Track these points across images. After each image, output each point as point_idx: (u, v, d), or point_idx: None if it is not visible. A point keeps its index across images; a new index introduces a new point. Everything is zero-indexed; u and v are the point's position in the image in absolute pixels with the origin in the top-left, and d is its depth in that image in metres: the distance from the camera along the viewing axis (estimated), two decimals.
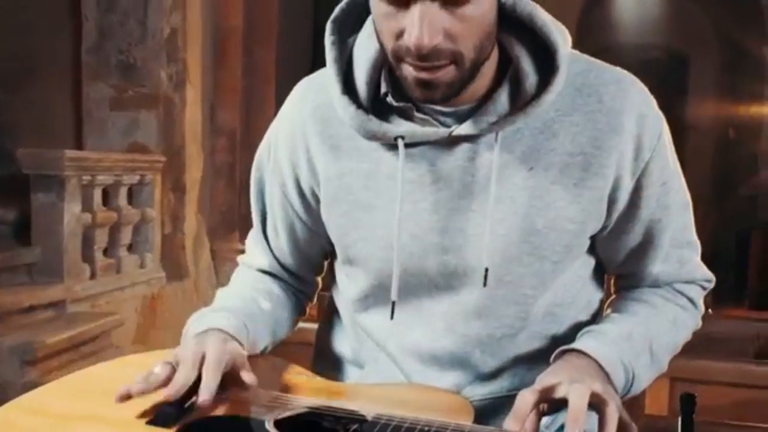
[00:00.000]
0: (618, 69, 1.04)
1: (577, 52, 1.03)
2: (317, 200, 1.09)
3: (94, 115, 4.57)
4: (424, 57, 0.88)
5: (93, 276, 3.96)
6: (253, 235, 1.20)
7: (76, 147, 4.66)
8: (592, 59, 1.04)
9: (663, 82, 9.20)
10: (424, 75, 0.90)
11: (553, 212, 0.98)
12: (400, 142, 0.98)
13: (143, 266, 4.41)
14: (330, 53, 1.00)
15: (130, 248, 4.35)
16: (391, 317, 1.01)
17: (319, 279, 1.24)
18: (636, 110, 1.00)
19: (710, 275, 1.13)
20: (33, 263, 3.71)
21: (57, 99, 4.81)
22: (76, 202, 3.78)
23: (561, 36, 0.97)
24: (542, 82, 0.95)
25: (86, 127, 4.59)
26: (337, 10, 1.00)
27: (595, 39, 9.02)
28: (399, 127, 0.98)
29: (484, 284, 0.98)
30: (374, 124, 0.98)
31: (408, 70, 0.91)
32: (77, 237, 3.81)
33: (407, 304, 1.03)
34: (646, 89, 1.04)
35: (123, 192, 4.22)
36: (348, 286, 1.12)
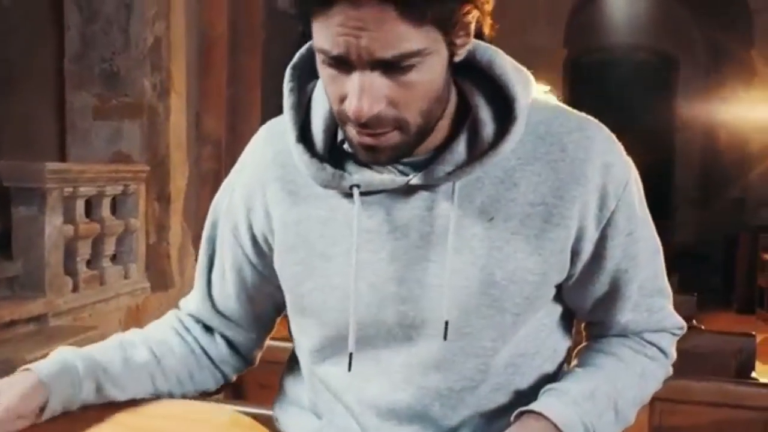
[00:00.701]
0: (583, 116, 1.01)
1: (543, 96, 1.01)
2: (269, 248, 1.06)
3: (78, 124, 4.54)
4: (365, 124, 0.87)
5: (76, 288, 3.94)
6: (196, 279, 1.16)
7: (59, 157, 4.63)
8: (558, 105, 1.02)
9: (652, 84, 9.23)
10: (367, 140, 0.89)
11: (513, 264, 0.96)
12: (356, 191, 0.96)
13: (127, 277, 4.38)
14: (287, 100, 0.98)
15: (114, 259, 4.33)
16: (349, 369, 0.99)
17: (267, 338, 1.19)
18: (600, 159, 0.97)
19: (681, 322, 1.10)
20: (15, 276, 3.69)
21: (39, 109, 4.77)
22: (58, 215, 3.75)
23: (522, 83, 0.95)
24: (500, 131, 0.93)
25: (69, 137, 4.56)
26: (297, 55, 0.98)
27: (585, 39, 9.04)
28: (354, 175, 0.96)
29: (445, 337, 0.95)
30: (328, 173, 0.96)
31: (352, 133, 0.89)
32: (59, 249, 3.78)
33: (365, 356, 1.00)
34: (612, 136, 1.02)
35: (106, 203, 4.20)
36: (302, 338, 1.09)
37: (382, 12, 0.80)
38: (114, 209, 4.30)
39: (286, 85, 0.98)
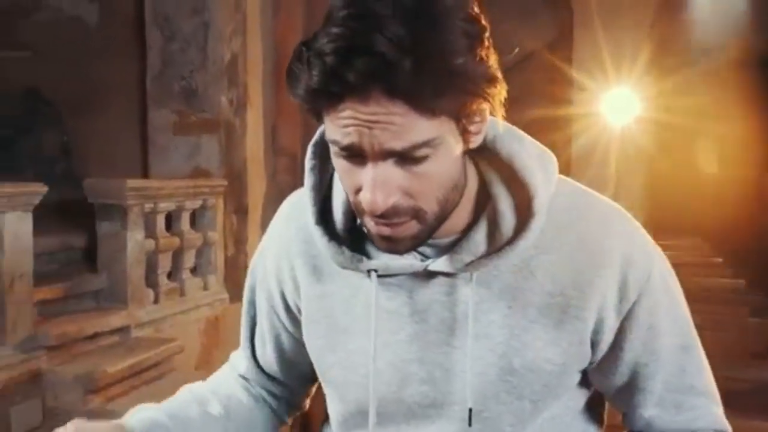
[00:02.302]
0: (607, 206, 0.99)
1: (566, 180, 0.99)
2: (302, 315, 1.07)
3: (158, 140, 4.69)
4: (382, 215, 0.85)
5: (157, 300, 4.06)
6: (241, 340, 1.18)
7: (142, 171, 4.79)
8: (581, 193, 0.99)
9: (746, 86, 8.86)
10: (384, 230, 0.88)
11: (532, 353, 0.94)
12: (373, 275, 0.96)
13: (206, 288, 4.49)
14: (308, 179, 0.98)
15: (194, 271, 4.44)
16: None
17: (314, 387, 1.20)
18: (620, 251, 0.95)
19: (724, 425, 1.03)
20: (99, 290, 3.83)
21: (123, 125, 4.95)
22: (139, 229, 3.88)
23: (544, 172, 0.94)
24: (519, 226, 0.92)
25: (151, 153, 4.71)
26: (318, 132, 0.97)
27: (670, 41, 8.76)
28: (372, 259, 0.96)
29: (469, 424, 0.95)
30: (346, 257, 0.96)
31: (369, 224, 0.88)
32: (141, 263, 3.91)
33: None
34: (635, 227, 0.99)
35: (185, 217, 4.32)
36: (330, 406, 1.10)
37: (391, 105, 0.79)
38: (193, 223, 4.42)
39: (308, 163, 0.98)
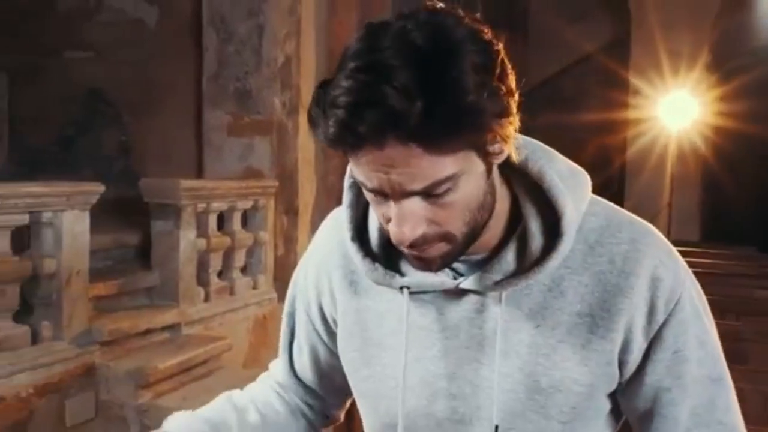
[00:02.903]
0: (639, 227, 0.99)
1: (600, 200, 1.00)
2: (337, 328, 1.11)
3: (213, 141, 4.78)
4: (411, 246, 0.88)
5: (207, 298, 4.14)
6: (280, 349, 1.23)
7: (197, 170, 4.90)
8: (614, 213, 1.00)
9: None
10: (415, 253, 0.90)
11: (560, 373, 0.95)
12: (405, 292, 0.98)
13: (256, 287, 4.57)
14: (346, 197, 1.02)
15: (244, 270, 4.52)
16: None
17: (349, 400, 1.23)
18: (649, 273, 0.95)
19: None
20: (152, 287, 3.93)
21: (180, 126, 5.06)
22: (192, 229, 3.97)
23: (573, 191, 0.94)
24: (547, 246, 0.93)
25: (206, 153, 4.81)
26: None
27: (731, 43, 8.55)
28: (405, 276, 0.98)
29: None
30: (380, 273, 0.99)
31: (401, 248, 0.91)
32: (192, 262, 4.00)
33: None
34: (667, 250, 0.98)
35: (237, 217, 4.39)
36: (364, 417, 1.12)
37: (407, 150, 0.80)
38: (244, 222, 4.49)
39: (346, 181, 1.01)
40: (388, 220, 0.88)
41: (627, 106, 8.36)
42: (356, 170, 0.86)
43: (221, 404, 1.19)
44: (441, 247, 0.89)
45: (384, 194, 0.86)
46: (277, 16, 4.68)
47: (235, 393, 1.23)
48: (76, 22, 5.35)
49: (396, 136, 0.79)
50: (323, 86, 0.82)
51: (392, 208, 0.86)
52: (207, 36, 4.76)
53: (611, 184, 9.15)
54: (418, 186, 0.83)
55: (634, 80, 8.32)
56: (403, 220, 0.85)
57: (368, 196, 0.90)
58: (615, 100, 8.39)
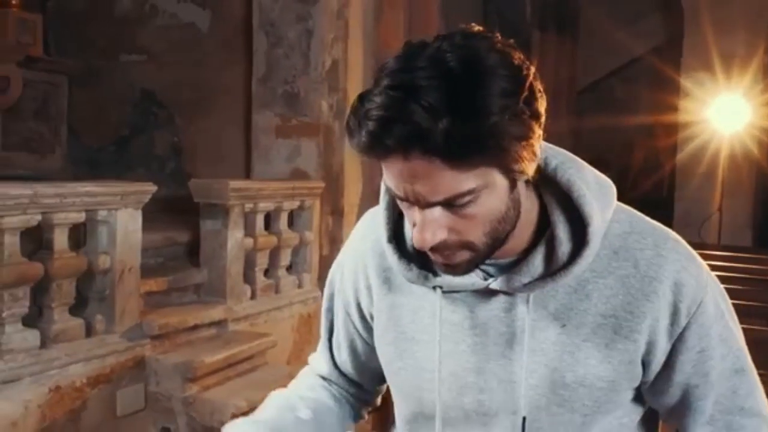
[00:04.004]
0: (662, 233, 1.04)
1: (624, 208, 1.05)
2: (373, 323, 1.18)
3: (261, 142, 4.89)
4: (433, 249, 0.94)
5: (253, 296, 4.25)
6: (320, 343, 1.30)
7: (245, 171, 5.02)
8: (638, 220, 1.05)
9: None
10: (440, 258, 0.97)
11: (583, 369, 1.01)
12: (438, 291, 1.05)
13: (301, 286, 4.66)
14: (383, 199, 1.09)
15: (289, 269, 4.62)
16: None
17: (384, 386, 1.30)
18: (672, 278, 1.00)
19: None
20: (201, 284, 4.06)
21: (230, 127, 5.19)
22: (240, 228, 4.08)
23: (600, 201, 0.99)
24: (574, 252, 0.98)
25: (254, 154, 4.93)
26: None
27: None
28: (438, 276, 1.04)
29: (522, 431, 1.03)
30: (414, 273, 1.05)
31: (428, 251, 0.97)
32: (240, 260, 4.11)
33: None
34: (689, 255, 1.04)
35: (284, 217, 4.49)
36: (397, 407, 1.19)
37: (430, 163, 0.86)
38: (290, 223, 4.59)
39: (383, 185, 1.07)
40: (414, 224, 0.94)
41: (678, 109, 8.24)
42: (386, 177, 0.93)
43: (276, 405, 1.25)
44: (463, 255, 0.95)
45: (410, 201, 0.92)
46: (325, 20, 4.77)
47: (286, 392, 1.29)
48: (131, 26, 5.53)
49: (420, 151, 0.85)
50: (360, 99, 0.90)
51: (417, 214, 0.92)
52: (257, 40, 4.88)
53: (661, 188, 9.04)
54: (439, 197, 0.89)
55: (686, 82, 8.19)
56: (426, 226, 0.92)
57: (398, 200, 0.96)
58: (666, 103, 8.28)
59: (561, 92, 8.51)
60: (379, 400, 1.35)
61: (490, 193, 0.91)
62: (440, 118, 0.83)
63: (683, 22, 8.31)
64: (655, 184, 8.89)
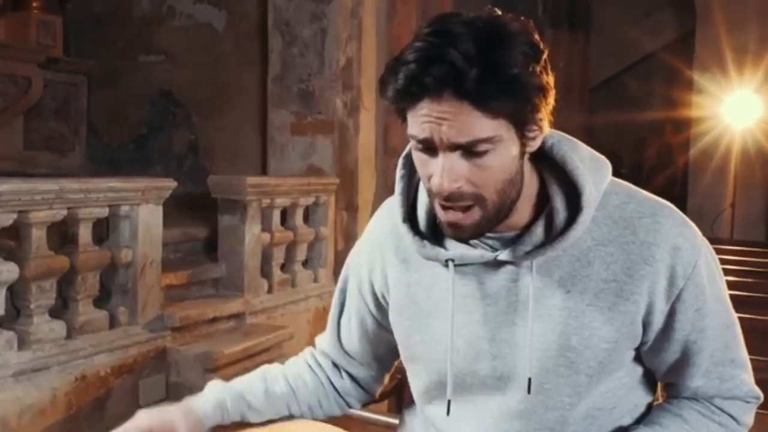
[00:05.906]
0: (658, 202, 1.12)
1: (621, 182, 1.14)
2: (386, 303, 1.26)
3: (277, 139, 4.99)
4: (447, 198, 1.02)
5: (270, 290, 4.35)
6: (328, 321, 1.39)
7: (261, 168, 5.11)
8: (635, 191, 1.14)
9: None
10: (450, 217, 1.05)
11: (588, 332, 1.09)
12: (451, 264, 1.13)
13: (316, 280, 4.75)
14: (398, 185, 1.17)
15: (305, 264, 4.71)
16: (447, 413, 1.16)
17: (387, 376, 1.39)
18: (669, 242, 1.08)
19: (757, 392, 1.18)
20: (219, 278, 4.16)
21: (246, 125, 5.29)
22: (257, 223, 4.17)
23: (594, 174, 1.08)
24: (570, 219, 1.07)
25: (270, 151, 5.02)
26: (408, 146, 1.15)
27: None
28: (450, 250, 1.13)
29: (528, 391, 1.11)
30: (428, 249, 1.14)
31: (439, 211, 1.06)
32: (257, 255, 4.20)
33: (463, 400, 1.17)
34: (683, 221, 1.12)
35: (299, 212, 4.58)
36: (413, 381, 1.27)
37: (460, 106, 0.96)
38: (306, 218, 4.68)
39: (398, 172, 1.17)
40: (430, 177, 1.03)
41: (690, 105, 8.26)
42: (412, 124, 1.01)
43: (253, 375, 1.37)
44: (473, 213, 1.04)
45: (432, 147, 1.01)
46: (339, 19, 4.85)
47: (271, 366, 1.40)
48: (149, 27, 5.64)
49: (452, 92, 0.96)
50: (395, 58, 1.00)
51: (437, 162, 1.01)
52: (272, 39, 4.97)
53: (674, 183, 9.05)
54: (463, 140, 0.98)
55: (698, 78, 8.21)
56: (445, 173, 1.00)
57: (416, 156, 1.05)
58: (678, 99, 8.31)
59: (573, 89, 8.55)
60: (378, 392, 1.42)
61: (504, 149, 1.00)
62: (473, 64, 0.94)
63: (695, 18, 8.34)
64: (668, 180, 8.91)
